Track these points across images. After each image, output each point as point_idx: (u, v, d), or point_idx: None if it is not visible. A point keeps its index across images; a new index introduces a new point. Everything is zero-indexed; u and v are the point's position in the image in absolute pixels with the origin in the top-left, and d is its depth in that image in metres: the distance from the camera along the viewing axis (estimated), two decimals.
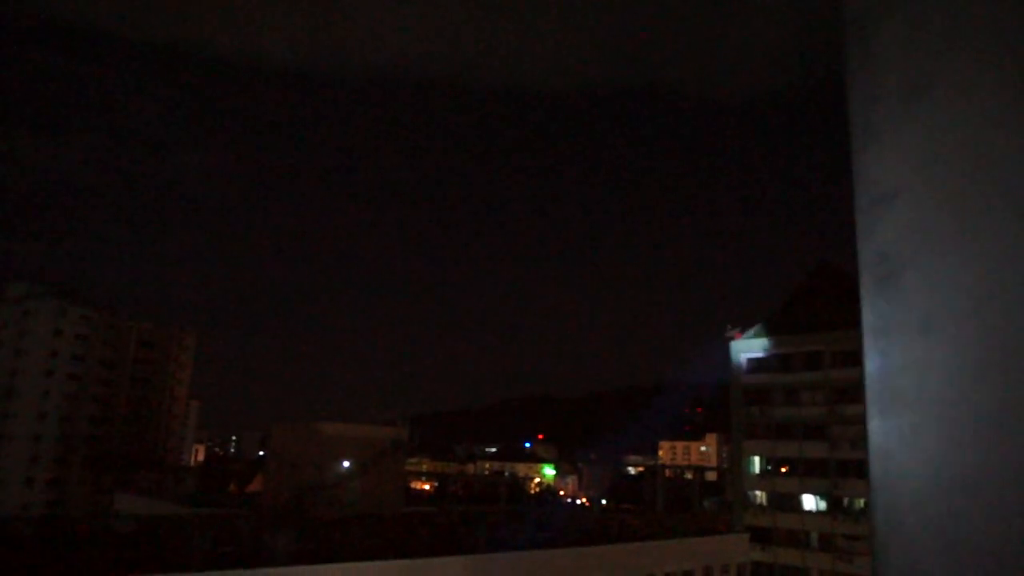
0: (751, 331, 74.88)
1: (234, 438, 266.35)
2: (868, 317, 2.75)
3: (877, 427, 2.87)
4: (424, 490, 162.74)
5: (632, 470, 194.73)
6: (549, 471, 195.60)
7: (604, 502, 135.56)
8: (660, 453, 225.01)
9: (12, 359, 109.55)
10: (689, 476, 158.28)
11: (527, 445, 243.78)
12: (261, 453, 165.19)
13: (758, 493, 70.90)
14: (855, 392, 57.35)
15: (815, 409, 67.19)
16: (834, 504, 64.93)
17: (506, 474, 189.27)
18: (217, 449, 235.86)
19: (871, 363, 2.88)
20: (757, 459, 71.30)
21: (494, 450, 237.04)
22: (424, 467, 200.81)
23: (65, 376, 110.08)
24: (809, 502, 67.26)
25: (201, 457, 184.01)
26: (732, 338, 75.02)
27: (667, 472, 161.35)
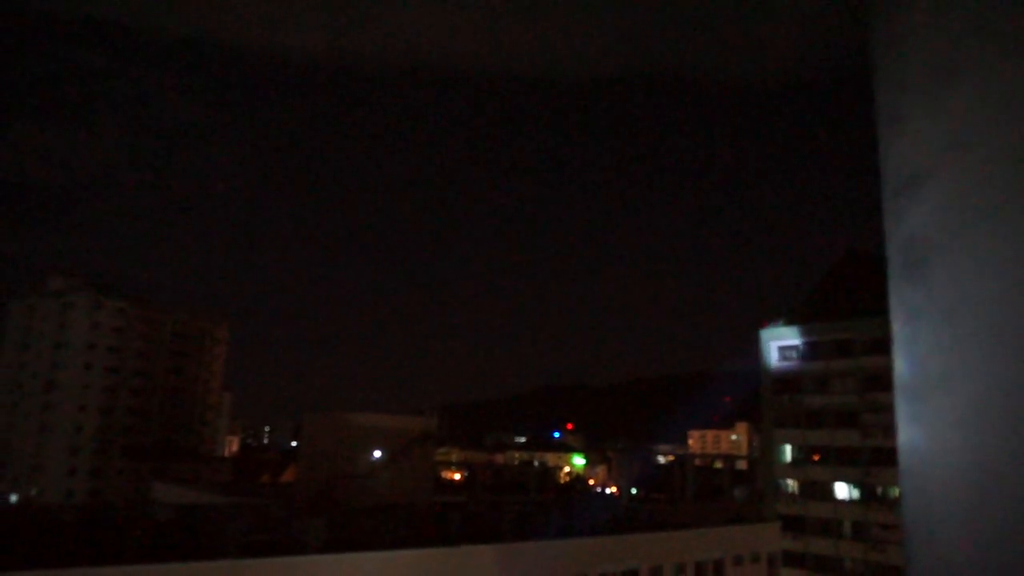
0: (781, 319, 74.10)
1: (267, 429, 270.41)
2: (896, 303, 2.74)
3: (906, 414, 2.86)
4: (454, 480, 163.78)
5: (662, 459, 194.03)
6: (579, 460, 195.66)
7: (633, 491, 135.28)
8: (690, 442, 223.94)
9: (52, 352, 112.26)
10: (719, 465, 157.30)
11: (556, 435, 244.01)
12: (293, 443, 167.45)
13: (789, 482, 70.30)
14: (887, 379, 56.44)
15: (847, 397, 66.36)
16: (868, 493, 64.17)
17: (535, 464, 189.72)
18: (250, 440, 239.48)
19: (899, 350, 2.86)
20: (788, 447, 70.66)
21: (524, 440, 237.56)
22: (454, 457, 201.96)
23: (103, 368, 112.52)
24: (842, 491, 66.54)
25: (235, 448, 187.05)
26: (762, 327, 74.31)
27: (697, 461, 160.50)
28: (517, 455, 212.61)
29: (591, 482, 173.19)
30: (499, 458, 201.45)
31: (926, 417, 1.90)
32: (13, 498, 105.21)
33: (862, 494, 64.69)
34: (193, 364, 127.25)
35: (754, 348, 75.21)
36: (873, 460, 62.94)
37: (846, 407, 66.21)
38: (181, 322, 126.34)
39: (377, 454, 62.61)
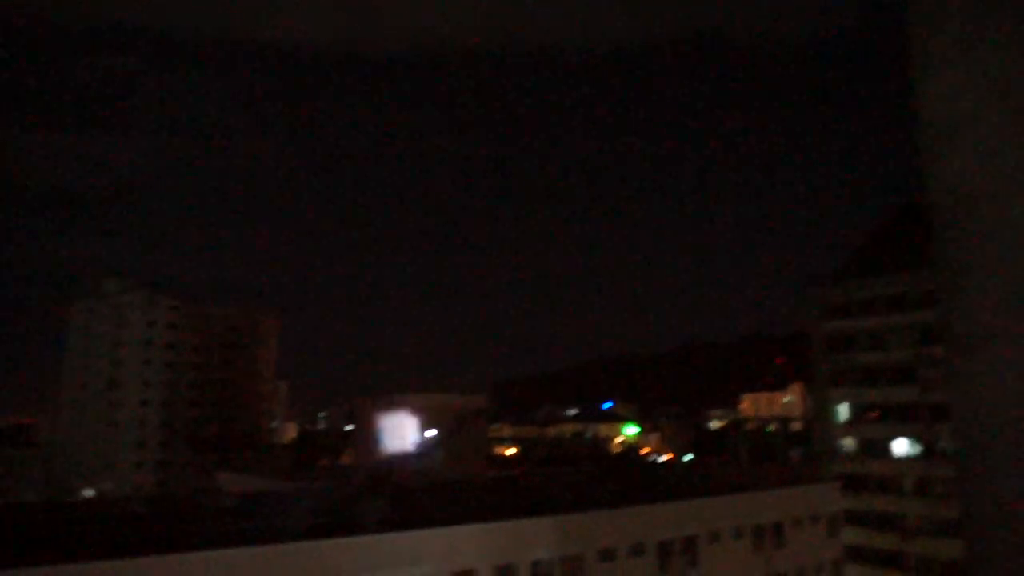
0: (830, 277, 72.58)
1: (322, 414, 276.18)
2: (942, 255, 2.65)
3: (958, 366, 2.78)
4: (507, 455, 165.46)
5: (715, 424, 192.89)
6: (630, 430, 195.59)
7: (687, 457, 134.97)
8: (742, 406, 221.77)
9: (113, 350, 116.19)
10: (773, 428, 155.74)
11: (607, 405, 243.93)
12: (349, 427, 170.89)
13: (846, 441, 69.26)
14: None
15: (903, 352, 64.87)
16: (928, 448, 62.90)
17: (587, 435, 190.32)
18: (307, 425, 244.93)
19: (947, 303, 2.78)
20: (844, 407, 69.52)
21: (575, 412, 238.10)
22: (506, 432, 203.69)
23: (162, 364, 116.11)
24: (901, 447, 65.34)
25: (293, 434, 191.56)
26: (810, 286, 72.92)
27: (750, 424, 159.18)
28: (569, 427, 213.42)
29: (644, 451, 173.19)
30: (551, 431, 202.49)
31: (977, 370, 1.84)
32: (88, 492, 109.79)
33: (923, 450, 63.44)
34: (246, 355, 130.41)
35: (804, 308, 73.92)
36: (933, 415, 61.58)
37: (902, 363, 64.77)
38: (232, 316, 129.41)
39: (430, 433, 63.54)
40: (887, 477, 65.49)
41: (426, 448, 62.91)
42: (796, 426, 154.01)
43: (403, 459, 61.40)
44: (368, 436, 66.15)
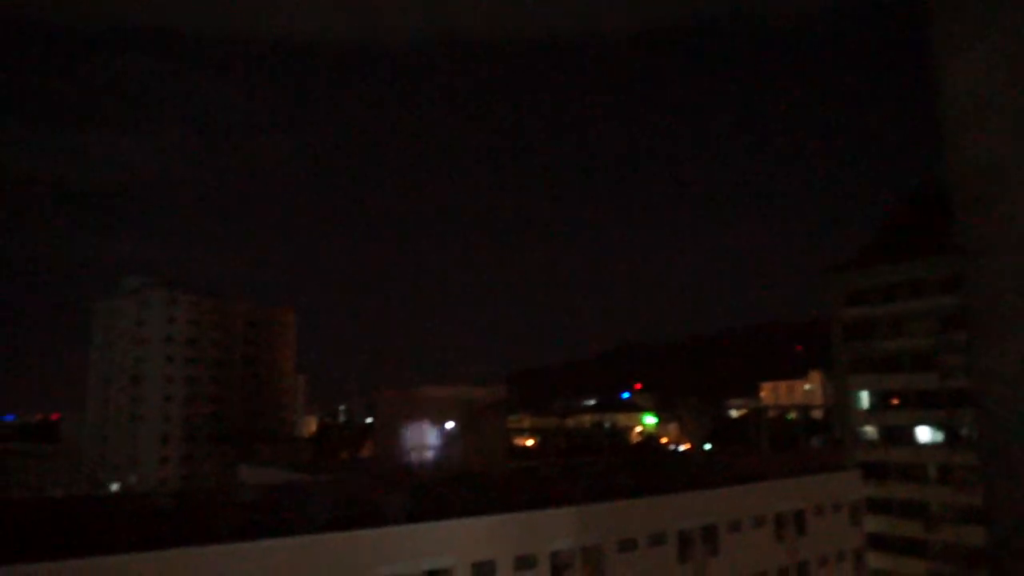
0: (848, 263, 71.87)
1: (342, 407, 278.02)
2: (965, 238, 2.62)
3: (981, 350, 2.77)
4: (527, 446, 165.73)
5: (734, 413, 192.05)
6: (650, 420, 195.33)
7: (707, 447, 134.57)
8: (762, 394, 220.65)
9: (135, 347, 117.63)
10: (793, 416, 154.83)
11: (625, 395, 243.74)
12: (369, 420, 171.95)
13: (868, 428, 68.73)
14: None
15: (924, 338, 64.17)
16: (951, 435, 62.28)
17: (606, 425, 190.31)
18: (327, 419, 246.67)
19: (970, 286, 2.75)
20: (865, 394, 68.95)
21: (593, 402, 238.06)
22: (525, 423, 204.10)
23: (183, 360, 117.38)
24: (924, 434, 64.74)
25: (313, 428, 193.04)
26: (828, 272, 72.25)
27: (770, 413, 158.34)
28: (587, 418, 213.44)
29: (664, 440, 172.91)
30: (570, 422, 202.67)
31: (1001, 352, 1.81)
32: (114, 487, 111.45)
33: (946, 436, 62.83)
34: (266, 350, 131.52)
35: (820, 295, 73.31)
36: (955, 401, 60.93)
37: (924, 349, 64.10)
38: (251, 311, 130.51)
39: (449, 425, 63.77)
40: (909, 464, 64.94)
41: (445, 440, 63.17)
42: (816, 414, 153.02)
43: (423, 451, 61.71)
44: (388, 429, 66.50)
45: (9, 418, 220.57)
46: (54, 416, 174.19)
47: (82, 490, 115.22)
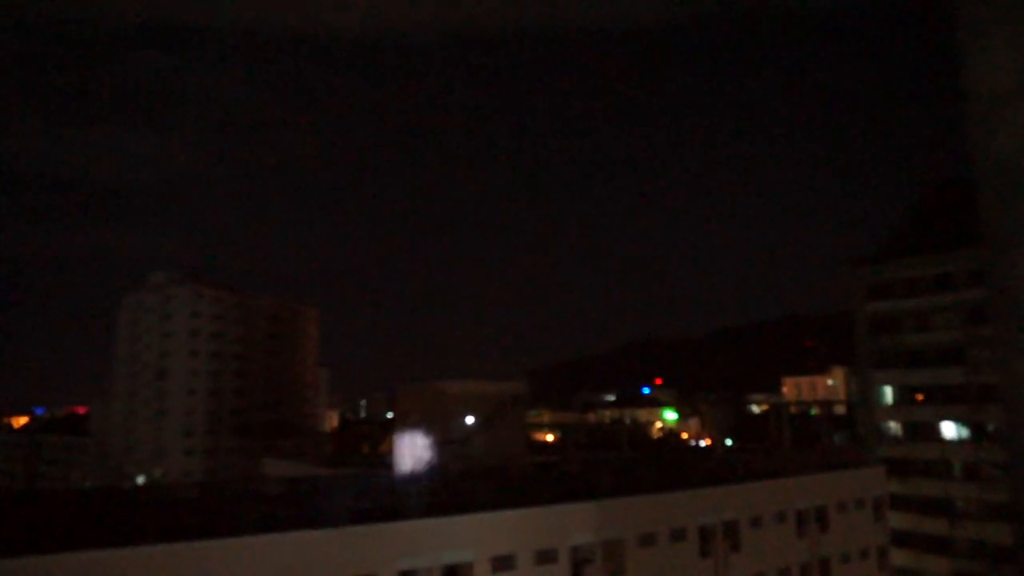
0: (871, 256, 71.00)
1: (363, 402, 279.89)
2: (991, 231, 2.58)
3: (1008, 345, 2.72)
4: (547, 441, 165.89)
5: (756, 408, 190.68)
6: (670, 415, 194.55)
7: (729, 442, 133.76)
8: (784, 390, 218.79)
9: (161, 341, 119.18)
10: (816, 411, 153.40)
11: (646, 390, 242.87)
12: (389, 415, 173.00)
13: (891, 424, 67.97)
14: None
15: (950, 333, 63.27)
16: (976, 430, 61.40)
17: (627, 420, 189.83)
18: (348, 413, 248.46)
19: (997, 279, 2.71)
20: (889, 389, 68.17)
21: (613, 397, 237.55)
22: (545, 418, 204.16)
23: (208, 354, 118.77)
24: (949, 430, 63.89)
25: (335, 422, 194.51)
26: (851, 265, 71.42)
27: (792, 408, 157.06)
28: (608, 413, 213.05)
29: (684, 436, 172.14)
30: (590, 417, 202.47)
31: None
32: (140, 479, 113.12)
33: (972, 433, 61.96)
34: (289, 345, 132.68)
35: (841, 289, 72.54)
36: (982, 397, 60.06)
37: (949, 343, 63.20)
38: (274, 306, 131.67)
39: (469, 420, 63.94)
40: (933, 460, 64.14)
41: (466, 435, 63.37)
42: (839, 410, 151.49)
43: (443, 446, 61.94)
44: (408, 423, 66.84)
45: (39, 411, 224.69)
46: (81, 410, 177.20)
47: (109, 482, 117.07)
